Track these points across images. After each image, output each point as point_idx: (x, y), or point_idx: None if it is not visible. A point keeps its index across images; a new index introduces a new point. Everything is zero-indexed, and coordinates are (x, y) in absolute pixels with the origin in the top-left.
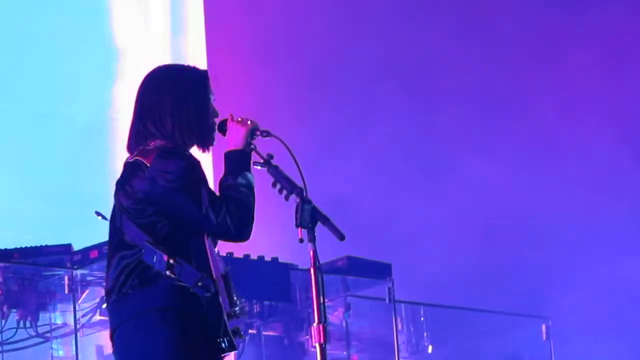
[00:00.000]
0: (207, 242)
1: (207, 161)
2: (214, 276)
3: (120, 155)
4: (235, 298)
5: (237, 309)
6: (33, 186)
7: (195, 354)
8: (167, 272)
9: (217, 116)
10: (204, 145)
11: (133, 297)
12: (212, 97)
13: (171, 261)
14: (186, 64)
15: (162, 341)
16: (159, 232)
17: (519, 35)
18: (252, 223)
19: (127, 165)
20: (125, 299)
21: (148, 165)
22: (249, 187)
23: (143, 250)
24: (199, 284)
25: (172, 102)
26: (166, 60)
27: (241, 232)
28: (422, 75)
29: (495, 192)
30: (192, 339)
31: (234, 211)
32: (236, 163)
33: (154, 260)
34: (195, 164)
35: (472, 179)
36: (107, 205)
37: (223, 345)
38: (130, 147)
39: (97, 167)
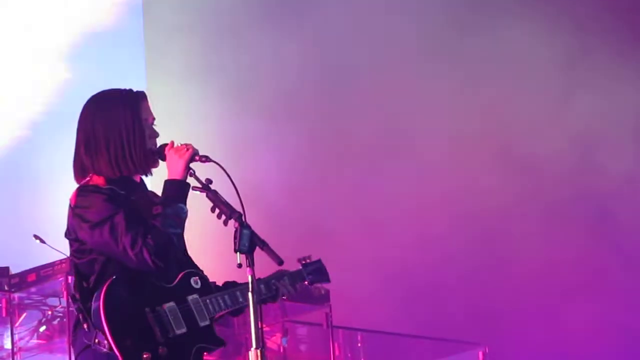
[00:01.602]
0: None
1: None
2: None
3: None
4: (171, 328)
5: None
6: None
7: None
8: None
9: (156, 137)
10: (144, 171)
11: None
12: (150, 119)
13: (80, 317)
14: (123, 87)
15: None
16: (86, 272)
17: None
18: (171, 254)
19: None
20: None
21: (72, 205)
22: (178, 218)
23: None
24: (96, 340)
25: (105, 132)
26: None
27: (156, 263)
28: None
29: (436, 208)
30: None
31: (152, 243)
32: (171, 193)
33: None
34: (111, 194)
35: (410, 200)
36: (46, 229)
37: None
38: (75, 178)
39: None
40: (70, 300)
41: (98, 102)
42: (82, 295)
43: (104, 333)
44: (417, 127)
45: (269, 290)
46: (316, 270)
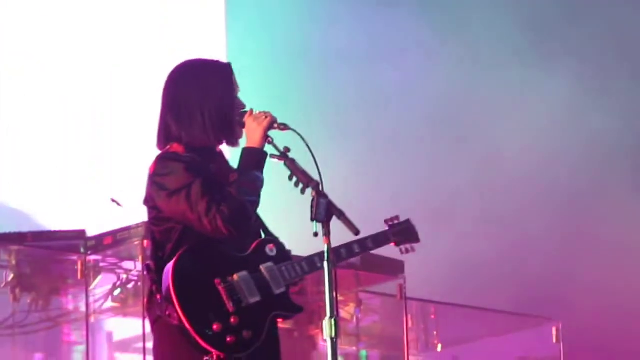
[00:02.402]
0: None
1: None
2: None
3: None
4: (243, 298)
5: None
6: (49, 169)
7: None
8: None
9: (243, 109)
10: (232, 141)
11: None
12: (235, 90)
13: (153, 288)
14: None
15: (162, 350)
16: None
17: None
18: (245, 222)
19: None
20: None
21: (151, 173)
22: (254, 186)
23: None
24: (167, 313)
25: (200, 99)
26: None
27: (230, 230)
28: None
29: (512, 186)
30: (181, 352)
31: (226, 209)
32: (248, 161)
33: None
34: (191, 162)
35: (486, 175)
36: (124, 192)
37: None
38: (157, 146)
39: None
40: (145, 268)
41: (191, 69)
42: (157, 265)
43: (173, 306)
44: None
45: (349, 254)
46: (404, 231)
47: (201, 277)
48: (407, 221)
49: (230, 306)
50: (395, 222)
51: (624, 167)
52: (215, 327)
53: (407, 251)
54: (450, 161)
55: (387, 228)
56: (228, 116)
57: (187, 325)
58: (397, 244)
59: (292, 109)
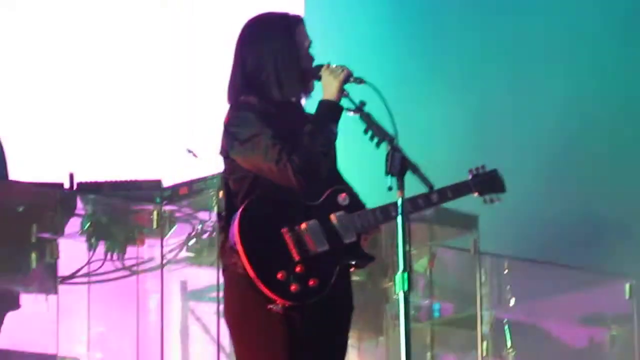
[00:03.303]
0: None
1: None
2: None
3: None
4: (311, 246)
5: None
6: (127, 119)
7: (253, 315)
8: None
9: (312, 61)
10: (296, 96)
11: (222, 253)
12: (306, 43)
13: (223, 236)
14: (280, 10)
15: (231, 297)
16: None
17: None
18: (315, 173)
19: None
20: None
21: (225, 123)
22: (327, 138)
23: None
24: (233, 261)
25: (258, 57)
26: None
27: (300, 182)
28: None
29: (586, 141)
30: (248, 300)
31: (297, 160)
32: (324, 113)
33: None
34: (262, 112)
35: (559, 127)
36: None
37: (274, 309)
38: (228, 101)
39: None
40: (217, 216)
41: (253, 26)
42: (228, 214)
43: (238, 254)
44: None
45: (426, 203)
46: (488, 181)
47: (268, 226)
48: (494, 171)
49: (296, 255)
50: (480, 171)
51: None
52: (279, 275)
53: (491, 201)
54: (528, 113)
55: (470, 177)
56: (289, 72)
57: (251, 273)
58: (481, 194)
59: (365, 64)
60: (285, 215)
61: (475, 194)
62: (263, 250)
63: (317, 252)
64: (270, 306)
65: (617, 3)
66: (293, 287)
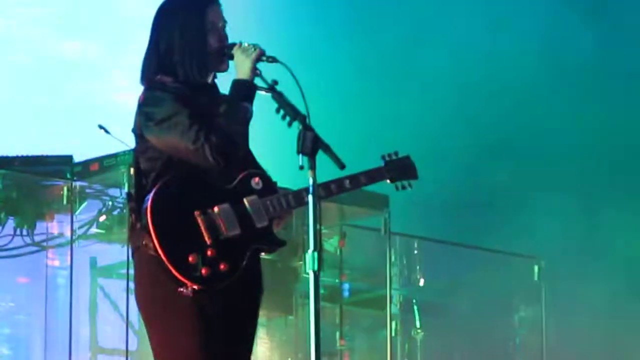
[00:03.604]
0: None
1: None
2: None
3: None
4: (222, 231)
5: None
6: (37, 95)
7: (165, 297)
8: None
9: (225, 40)
10: (204, 75)
11: (132, 234)
12: (221, 23)
13: (133, 217)
14: None
15: (141, 279)
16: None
17: None
18: (233, 152)
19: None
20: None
21: (140, 102)
22: (243, 118)
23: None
24: (144, 242)
25: (169, 37)
26: None
27: (217, 159)
28: None
29: (498, 124)
30: (161, 282)
31: (214, 138)
32: (237, 92)
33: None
34: (177, 93)
35: (471, 110)
36: (111, 118)
37: (184, 292)
38: (141, 82)
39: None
40: (126, 196)
41: (166, 6)
42: (138, 193)
43: (150, 236)
44: None
45: (339, 189)
46: (400, 167)
47: (181, 208)
48: (406, 157)
49: (207, 238)
50: (393, 157)
51: None
52: (190, 258)
53: (403, 187)
54: (439, 95)
55: (383, 164)
56: (198, 51)
57: (162, 255)
58: (392, 180)
59: (279, 44)
60: (199, 197)
61: (388, 181)
62: (175, 232)
63: (228, 235)
64: (181, 289)
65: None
66: (204, 271)
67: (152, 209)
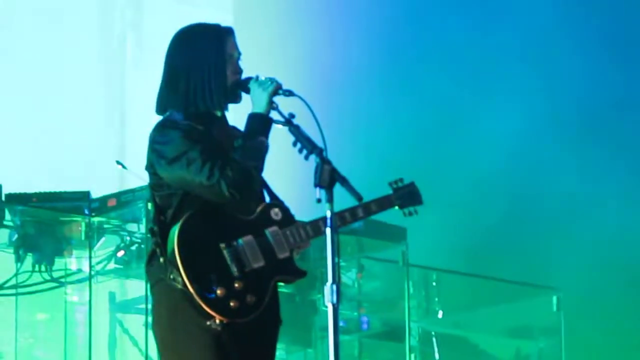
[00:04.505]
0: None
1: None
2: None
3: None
4: (247, 263)
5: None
6: (54, 132)
7: (185, 330)
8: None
9: (240, 73)
10: (221, 107)
11: (151, 268)
12: (236, 55)
13: (157, 251)
14: (211, 22)
15: (162, 312)
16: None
17: None
18: (249, 186)
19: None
20: (148, 267)
21: (150, 139)
22: (259, 152)
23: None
24: (171, 277)
25: (186, 66)
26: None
27: (233, 194)
28: None
29: (517, 158)
30: (182, 315)
31: (230, 173)
32: (253, 126)
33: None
34: (189, 130)
35: (492, 143)
36: (127, 155)
37: (212, 326)
38: (156, 112)
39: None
40: (149, 232)
41: (183, 36)
42: (160, 229)
43: (178, 270)
44: None
45: (353, 217)
46: (408, 194)
47: (206, 241)
48: (411, 184)
49: (234, 271)
50: (400, 184)
51: None
52: (219, 291)
53: (410, 214)
54: (450, 126)
55: (391, 191)
56: (216, 82)
57: (191, 289)
58: (401, 207)
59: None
60: (222, 230)
61: (397, 207)
62: (202, 266)
63: (253, 267)
64: (209, 322)
65: None
66: (232, 304)
67: (179, 242)
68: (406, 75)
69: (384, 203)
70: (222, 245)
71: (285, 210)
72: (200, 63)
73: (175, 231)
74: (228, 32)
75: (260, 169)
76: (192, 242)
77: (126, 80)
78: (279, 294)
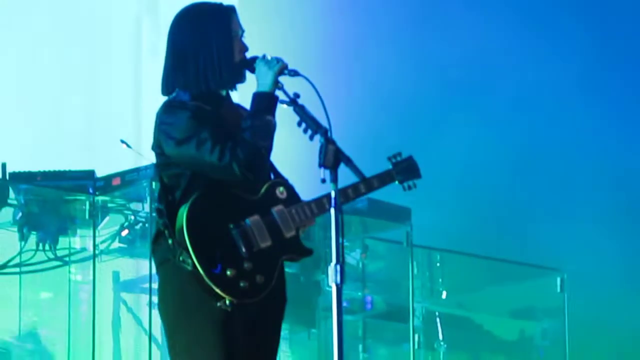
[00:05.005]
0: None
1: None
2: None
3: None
4: (255, 243)
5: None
6: (58, 110)
7: (192, 311)
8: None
9: (246, 51)
10: (231, 85)
11: (157, 247)
12: (240, 33)
13: (165, 232)
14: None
15: (169, 292)
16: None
17: None
18: (261, 165)
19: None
20: (154, 246)
21: (157, 119)
22: (267, 130)
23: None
24: (180, 258)
25: (194, 45)
26: None
27: (246, 175)
28: None
29: (522, 135)
30: (189, 295)
31: (241, 154)
32: (259, 105)
33: (158, 224)
34: (197, 110)
35: (497, 119)
36: (133, 134)
37: (222, 307)
38: (162, 92)
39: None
40: (155, 212)
41: (187, 15)
42: (168, 209)
43: (187, 252)
44: None
45: (355, 194)
46: (407, 169)
47: (214, 222)
48: (410, 157)
49: (243, 251)
50: (398, 158)
51: None
52: (229, 272)
53: (409, 188)
54: (459, 110)
55: (390, 166)
56: (225, 60)
57: (201, 270)
58: (401, 182)
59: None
60: (229, 210)
61: (397, 182)
62: (211, 247)
63: (261, 247)
64: (220, 303)
65: None
66: (242, 284)
67: (188, 224)
68: (410, 52)
69: (385, 178)
70: (231, 225)
71: (289, 188)
72: (208, 42)
73: (184, 212)
74: (231, 10)
75: (270, 149)
76: (201, 224)
77: (142, 67)
78: (284, 274)
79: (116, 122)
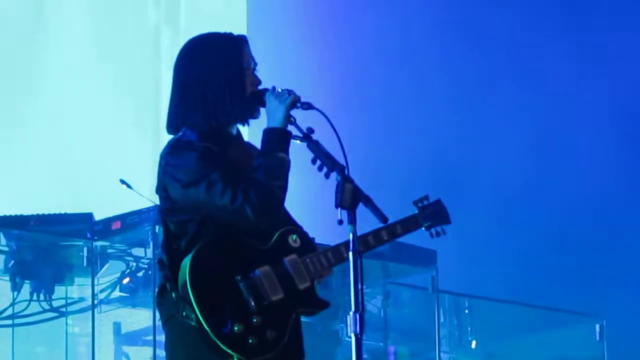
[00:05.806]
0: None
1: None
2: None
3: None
4: (266, 295)
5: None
6: (55, 152)
7: None
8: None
9: (258, 84)
10: (242, 121)
11: (162, 302)
12: (252, 64)
13: (167, 286)
14: (223, 30)
15: (178, 348)
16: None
17: None
18: (276, 207)
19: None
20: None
21: (163, 160)
22: (281, 169)
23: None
24: (184, 314)
25: (201, 79)
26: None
27: (259, 219)
28: None
29: (553, 175)
30: (199, 352)
31: (254, 197)
32: (271, 142)
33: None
34: (205, 151)
35: (523, 161)
36: (132, 173)
37: None
38: (168, 131)
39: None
40: (157, 263)
41: (194, 47)
42: (171, 260)
43: (191, 306)
44: None
45: (377, 241)
46: (434, 213)
47: (220, 274)
48: (438, 201)
49: (252, 305)
50: (425, 202)
51: None
52: (237, 328)
53: (437, 234)
54: (478, 142)
55: (416, 211)
56: (235, 95)
57: (206, 326)
58: (428, 228)
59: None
60: (237, 261)
61: (424, 228)
62: (217, 301)
63: (272, 300)
64: None
65: None
66: (251, 340)
67: (192, 277)
68: (426, 87)
69: (409, 224)
70: (238, 277)
71: (303, 235)
72: (217, 74)
73: (186, 264)
74: (242, 40)
75: (285, 188)
76: (206, 276)
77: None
78: (301, 327)
79: (115, 160)
